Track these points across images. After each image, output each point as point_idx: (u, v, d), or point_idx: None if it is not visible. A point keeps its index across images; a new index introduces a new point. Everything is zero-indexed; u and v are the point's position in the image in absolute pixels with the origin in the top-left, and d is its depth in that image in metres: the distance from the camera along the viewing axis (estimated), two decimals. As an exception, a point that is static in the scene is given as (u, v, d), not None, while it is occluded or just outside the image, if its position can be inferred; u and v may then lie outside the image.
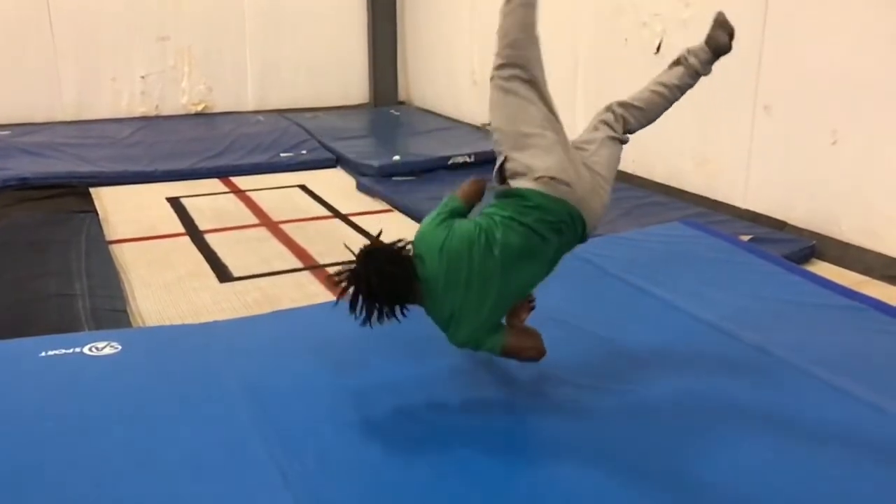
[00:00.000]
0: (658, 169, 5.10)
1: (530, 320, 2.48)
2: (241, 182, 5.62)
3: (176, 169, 5.73)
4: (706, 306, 3.03)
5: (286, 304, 3.36)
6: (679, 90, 2.53)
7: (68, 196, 4.98)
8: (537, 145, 2.24)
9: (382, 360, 2.60)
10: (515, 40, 2.27)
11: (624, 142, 2.47)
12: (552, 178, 2.20)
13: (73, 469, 2.03)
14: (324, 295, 3.59)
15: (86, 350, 2.62)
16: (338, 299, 2.20)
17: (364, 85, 8.21)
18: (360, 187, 5.42)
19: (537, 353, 2.30)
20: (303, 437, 2.18)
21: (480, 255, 2.17)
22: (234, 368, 2.56)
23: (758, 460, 2.10)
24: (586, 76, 5.51)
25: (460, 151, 5.73)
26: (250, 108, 7.72)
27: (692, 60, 2.51)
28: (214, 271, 3.89)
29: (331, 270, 3.81)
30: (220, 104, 7.63)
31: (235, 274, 3.86)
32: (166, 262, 3.99)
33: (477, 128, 6.92)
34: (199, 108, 7.57)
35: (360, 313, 2.14)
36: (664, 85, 2.51)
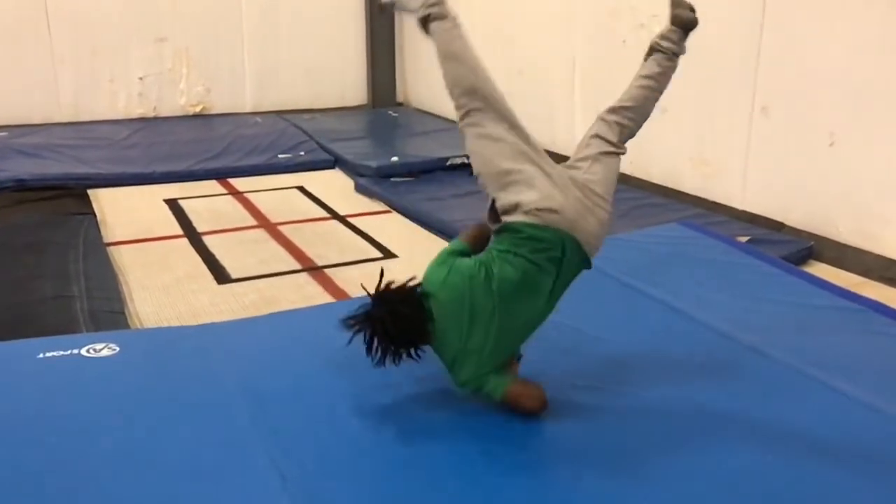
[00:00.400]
0: (656, 170, 5.11)
1: None
2: (239, 183, 5.62)
3: (174, 170, 5.72)
4: (704, 307, 3.03)
5: (284, 306, 3.35)
6: (663, 76, 2.51)
7: (66, 198, 4.96)
8: (518, 181, 2.24)
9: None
10: (467, 87, 2.33)
11: (619, 153, 2.42)
12: (538, 210, 2.20)
13: (71, 471, 2.03)
14: (322, 296, 3.59)
15: (84, 352, 2.62)
16: (350, 340, 2.23)
17: (362, 86, 8.21)
18: (359, 188, 5.42)
19: (539, 404, 2.25)
20: (301, 439, 2.18)
21: (480, 289, 2.18)
22: (233, 370, 2.56)
23: (756, 462, 2.10)
24: (584, 78, 5.52)
25: (458, 152, 5.72)
26: (248, 109, 7.72)
27: (666, 44, 2.51)
28: (212, 273, 3.89)
29: (328, 273, 3.85)
30: (218, 105, 7.63)
31: (233, 275, 3.86)
32: (164, 264, 3.99)
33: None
34: (197, 109, 7.57)
35: (376, 355, 2.20)
36: (647, 77, 2.49)
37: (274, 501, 1.92)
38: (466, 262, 2.27)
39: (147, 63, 7.30)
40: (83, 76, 7.07)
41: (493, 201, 2.29)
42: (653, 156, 5.11)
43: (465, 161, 5.64)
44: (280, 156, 6.17)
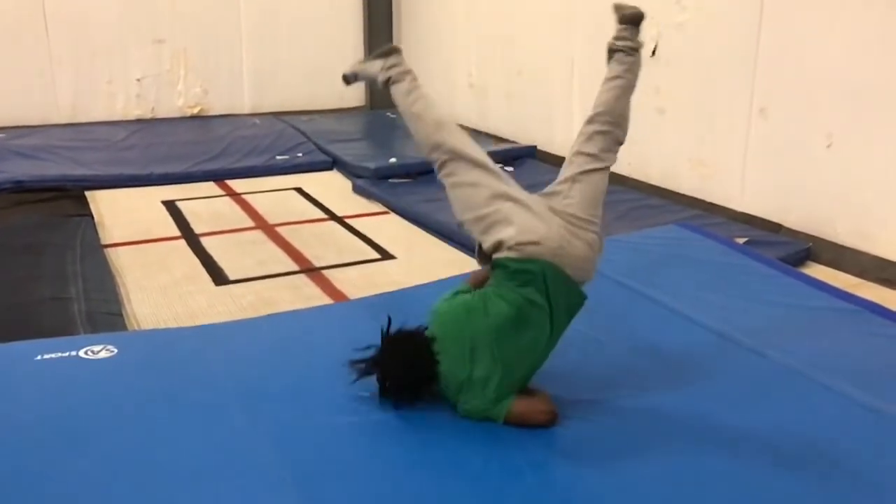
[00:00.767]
0: (654, 171, 5.11)
1: None
2: (237, 185, 5.62)
3: (171, 172, 5.72)
4: (701, 309, 3.03)
5: (282, 307, 3.35)
6: (629, 72, 2.52)
7: (63, 199, 4.96)
8: (497, 221, 2.28)
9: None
10: (434, 143, 2.42)
11: (602, 166, 2.40)
12: (519, 244, 2.22)
13: (69, 473, 2.02)
14: (320, 297, 3.59)
15: (81, 353, 2.62)
16: (355, 380, 2.30)
17: (360, 87, 8.20)
18: (357, 190, 5.42)
19: (547, 417, 2.22)
20: (300, 440, 2.18)
21: (479, 321, 2.20)
22: (231, 371, 2.56)
23: (754, 463, 2.10)
24: (583, 79, 5.52)
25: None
26: (246, 110, 7.72)
27: (621, 43, 2.54)
28: (210, 274, 3.89)
29: (325, 275, 3.85)
30: (216, 107, 7.63)
31: (231, 277, 3.86)
32: (162, 266, 3.99)
33: (471, 130, 6.94)
34: (195, 110, 7.57)
35: (390, 399, 2.27)
36: (613, 78, 2.50)
37: (272, 502, 1.92)
38: (466, 296, 2.31)
39: (145, 64, 7.30)
40: (81, 77, 7.07)
41: (480, 246, 2.35)
42: (651, 157, 5.11)
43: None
44: (278, 157, 6.17)
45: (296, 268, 4.01)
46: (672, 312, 3.02)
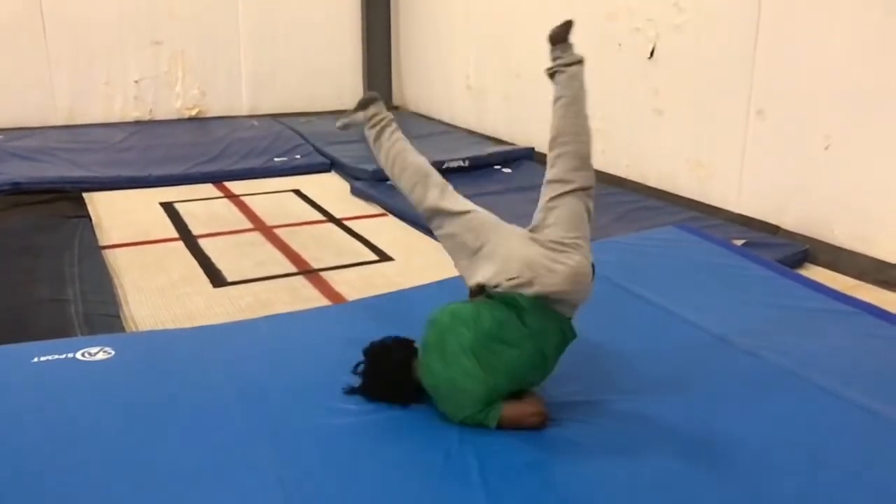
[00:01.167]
0: (652, 173, 5.12)
1: None
2: (235, 187, 5.62)
3: (169, 174, 5.71)
4: (699, 310, 3.03)
5: (280, 309, 3.35)
6: (570, 87, 2.50)
7: (61, 201, 4.96)
8: (478, 266, 2.36)
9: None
10: (416, 202, 2.55)
11: (570, 190, 2.39)
12: (497, 284, 2.28)
13: (67, 475, 2.02)
14: (318, 299, 3.59)
15: (79, 355, 2.61)
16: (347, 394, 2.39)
17: (358, 89, 8.19)
18: (355, 192, 5.42)
19: (538, 420, 2.24)
20: (298, 441, 2.18)
21: (467, 329, 2.23)
22: (228, 373, 2.56)
23: (750, 464, 2.11)
24: (580, 81, 5.52)
25: (455, 156, 5.73)
26: (244, 112, 7.72)
27: (560, 61, 2.53)
28: (208, 276, 3.88)
29: (323, 276, 3.84)
30: (214, 109, 7.63)
31: (229, 279, 3.85)
32: (160, 267, 3.98)
33: (469, 132, 6.94)
34: (193, 112, 7.57)
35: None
36: (558, 98, 2.51)
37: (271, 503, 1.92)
38: (458, 305, 2.33)
39: (143, 66, 7.30)
40: (79, 79, 7.07)
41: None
42: (649, 159, 5.12)
43: (462, 164, 5.67)
44: (276, 159, 6.17)
45: (294, 269, 4.01)
46: (669, 314, 3.03)
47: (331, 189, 5.61)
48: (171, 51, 7.37)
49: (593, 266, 2.37)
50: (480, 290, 2.34)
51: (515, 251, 2.31)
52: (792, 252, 3.98)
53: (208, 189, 5.58)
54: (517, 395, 2.28)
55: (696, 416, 2.34)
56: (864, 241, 3.85)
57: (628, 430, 2.27)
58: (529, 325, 2.22)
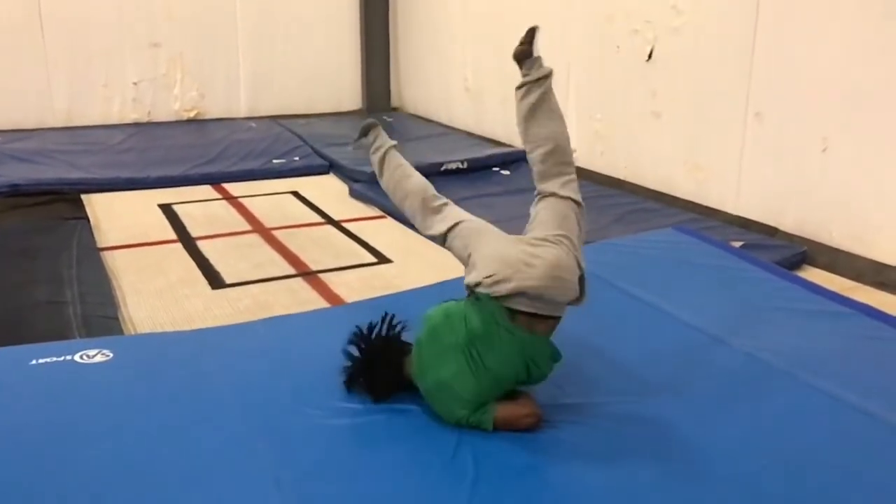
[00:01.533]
0: (649, 175, 5.12)
1: None
2: (234, 188, 5.62)
3: (168, 175, 5.71)
4: (697, 312, 3.04)
5: (278, 311, 3.35)
6: (533, 94, 2.62)
7: (59, 203, 4.96)
8: (469, 271, 2.39)
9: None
10: (422, 228, 2.66)
11: (545, 194, 2.44)
12: (479, 285, 2.28)
13: (65, 478, 2.02)
14: (316, 301, 3.59)
15: (77, 358, 2.61)
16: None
17: (357, 91, 8.22)
18: (353, 193, 5.42)
19: (532, 420, 2.25)
20: (296, 443, 2.18)
21: (458, 326, 2.25)
22: (227, 375, 2.56)
23: (750, 466, 2.11)
24: (578, 84, 5.52)
25: (453, 158, 5.74)
26: (243, 114, 7.72)
27: (528, 77, 2.63)
28: (206, 278, 3.88)
29: (322, 278, 3.85)
30: (213, 110, 7.63)
31: (227, 280, 3.85)
32: (158, 269, 3.98)
33: (468, 134, 6.95)
34: (192, 114, 7.57)
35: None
36: (524, 113, 2.60)
37: (268, 507, 1.92)
38: (452, 304, 2.36)
39: (141, 68, 7.30)
40: (77, 81, 7.07)
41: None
42: (647, 161, 5.13)
43: (461, 166, 5.68)
44: (275, 161, 6.17)
45: (292, 271, 4.01)
46: (667, 316, 3.03)
47: (329, 191, 5.61)
48: (170, 53, 7.37)
49: (580, 265, 2.34)
50: (471, 292, 2.36)
51: (494, 251, 2.33)
52: (790, 254, 3.99)
53: (207, 191, 5.58)
54: (510, 395, 2.29)
55: (693, 418, 2.34)
56: (862, 243, 3.86)
57: (626, 431, 2.28)
58: (513, 330, 2.23)
